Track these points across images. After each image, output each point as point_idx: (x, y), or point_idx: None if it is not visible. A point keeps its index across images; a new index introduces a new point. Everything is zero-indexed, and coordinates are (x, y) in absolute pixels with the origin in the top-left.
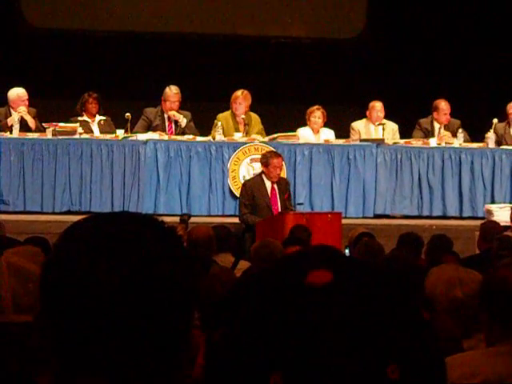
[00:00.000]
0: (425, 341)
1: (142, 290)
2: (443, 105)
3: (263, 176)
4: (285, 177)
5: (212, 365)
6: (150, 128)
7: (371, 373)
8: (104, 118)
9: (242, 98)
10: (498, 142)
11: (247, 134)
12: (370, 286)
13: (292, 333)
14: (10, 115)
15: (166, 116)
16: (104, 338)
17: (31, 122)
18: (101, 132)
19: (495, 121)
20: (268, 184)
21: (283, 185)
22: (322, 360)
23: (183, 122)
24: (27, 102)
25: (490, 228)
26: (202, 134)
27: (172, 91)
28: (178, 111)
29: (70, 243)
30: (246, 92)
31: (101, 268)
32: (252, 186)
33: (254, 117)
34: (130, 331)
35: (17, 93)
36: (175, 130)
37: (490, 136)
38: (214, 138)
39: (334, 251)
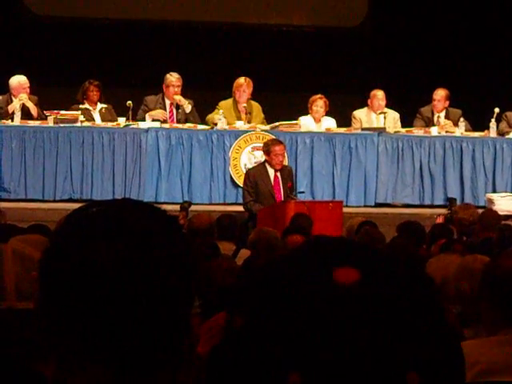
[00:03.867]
0: (450, 352)
1: (142, 276)
2: (437, 93)
3: (266, 164)
4: (287, 165)
5: (231, 355)
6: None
7: (391, 378)
8: (105, 105)
9: (245, 86)
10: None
11: (249, 122)
12: (398, 288)
13: (315, 332)
14: (12, 103)
15: (167, 103)
16: (105, 324)
17: (33, 109)
18: (102, 120)
19: (497, 110)
20: (271, 172)
21: (286, 173)
22: (342, 362)
23: (188, 107)
24: (28, 90)
25: (490, 217)
26: (203, 122)
27: (174, 76)
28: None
29: (70, 229)
30: (248, 79)
31: (101, 254)
32: (255, 174)
33: (256, 106)
34: (130, 317)
35: (18, 80)
36: (176, 116)
37: (492, 125)
38: (212, 123)
39: (360, 245)
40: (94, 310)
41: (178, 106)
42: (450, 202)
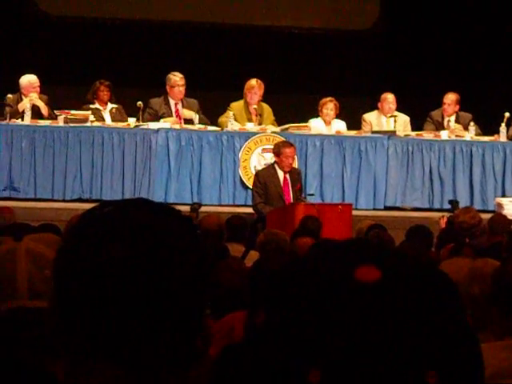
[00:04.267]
0: (469, 353)
1: (157, 276)
2: (447, 97)
3: (276, 166)
4: (296, 167)
5: (252, 350)
6: (157, 118)
7: (410, 376)
8: (116, 106)
9: (257, 87)
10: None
11: (259, 124)
12: (419, 287)
13: (335, 330)
14: (22, 102)
15: (172, 103)
16: (118, 324)
17: (43, 109)
18: (112, 120)
19: (507, 114)
20: (280, 174)
21: (295, 175)
22: (362, 360)
23: (196, 118)
24: (38, 89)
25: (499, 221)
26: (213, 124)
27: (178, 76)
28: (184, 99)
29: (84, 229)
30: (260, 82)
31: (115, 254)
32: (264, 176)
33: (267, 108)
34: (144, 317)
35: (28, 79)
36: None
37: (502, 130)
38: (223, 126)
39: (381, 246)
40: (107, 309)
41: (183, 104)
42: (452, 204)
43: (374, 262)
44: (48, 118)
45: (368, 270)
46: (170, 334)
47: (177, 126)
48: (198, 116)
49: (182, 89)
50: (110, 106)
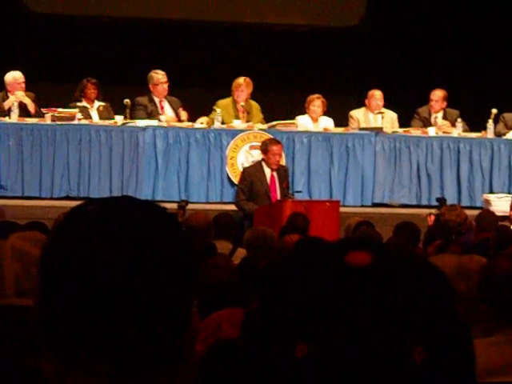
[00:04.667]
0: (457, 332)
1: (142, 273)
2: (434, 93)
3: (263, 163)
4: (284, 164)
5: (247, 333)
6: (147, 114)
7: (397, 352)
8: (103, 103)
9: (244, 86)
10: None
11: (247, 122)
12: (408, 271)
13: (324, 308)
14: (8, 99)
15: (157, 101)
16: (104, 322)
17: (30, 106)
18: (100, 118)
19: (494, 111)
20: (267, 171)
21: (282, 172)
22: (350, 337)
23: (185, 115)
24: (23, 85)
25: (487, 218)
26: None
27: (160, 74)
28: (166, 97)
29: (69, 226)
30: (248, 79)
31: (101, 251)
32: (251, 173)
33: (255, 105)
34: (130, 314)
35: (13, 75)
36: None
37: (489, 126)
38: (209, 124)
39: (374, 239)
40: (93, 307)
41: (169, 103)
42: (439, 202)
43: (366, 248)
44: (35, 116)
45: (359, 254)
46: (156, 331)
47: (164, 124)
48: (185, 114)
49: (166, 86)
50: (97, 103)
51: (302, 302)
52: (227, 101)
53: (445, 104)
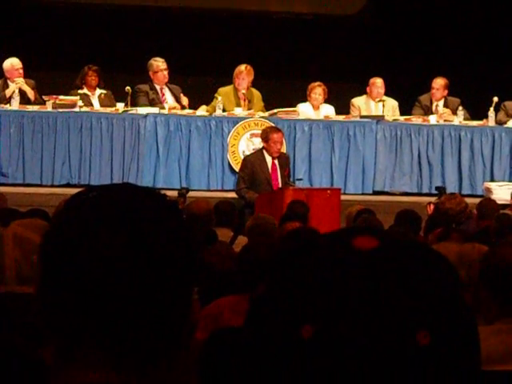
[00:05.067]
0: (460, 314)
1: (142, 261)
2: (435, 81)
3: (264, 151)
4: (285, 152)
5: (254, 318)
6: (149, 101)
7: (402, 335)
8: (104, 91)
9: (245, 73)
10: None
11: (249, 110)
12: (413, 255)
13: (330, 291)
14: (8, 87)
15: (157, 88)
16: (104, 310)
17: (30, 93)
18: (101, 105)
19: (495, 99)
20: (269, 159)
21: (283, 160)
22: (355, 318)
23: (185, 100)
24: (21, 71)
25: (488, 206)
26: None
27: (160, 61)
28: (167, 84)
29: (70, 213)
30: (249, 67)
31: (101, 238)
32: (252, 161)
33: (256, 93)
34: (130, 303)
35: (11, 62)
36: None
37: (490, 114)
38: (211, 112)
39: (375, 227)
40: (93, 294)
41: (170, 90)
42: (439, 190)
43: (373, 233)
44: (35, 103)
45: (366, 239)
46: (156, 318)
47: (165, 111)
48: (186, 99)
49: (166, 73)
50: (98, 91)
51: (309, 285)
52: (228, 88)
53: (446, 92)
